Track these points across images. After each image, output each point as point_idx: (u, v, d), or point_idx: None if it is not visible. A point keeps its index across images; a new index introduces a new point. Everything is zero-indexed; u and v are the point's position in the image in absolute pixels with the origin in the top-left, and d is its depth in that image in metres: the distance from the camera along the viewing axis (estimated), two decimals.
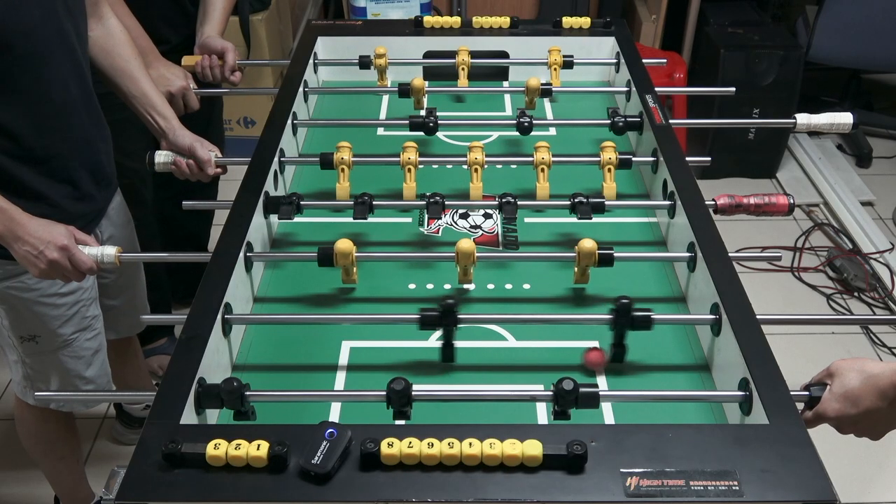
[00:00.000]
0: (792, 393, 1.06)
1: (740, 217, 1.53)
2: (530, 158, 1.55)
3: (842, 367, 1.07)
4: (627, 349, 1.24)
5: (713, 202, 1.47)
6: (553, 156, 1.55)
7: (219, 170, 1.62)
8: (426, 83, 1.81)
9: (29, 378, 1.64)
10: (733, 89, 1.96)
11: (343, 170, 1.55)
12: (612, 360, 1.24)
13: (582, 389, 1.05)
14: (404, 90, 1.79)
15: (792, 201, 1.49)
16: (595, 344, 1.29)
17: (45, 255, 1.35)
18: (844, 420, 1.06)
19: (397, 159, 1.55)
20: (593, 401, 1.06)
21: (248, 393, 1.07)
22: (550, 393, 1.06)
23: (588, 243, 1.31)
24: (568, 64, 1.92)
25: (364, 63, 1.93)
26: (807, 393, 1.09)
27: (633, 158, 1.58)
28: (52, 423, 1.79)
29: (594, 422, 1.10)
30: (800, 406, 1.06)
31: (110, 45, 1.56)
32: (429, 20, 2.06)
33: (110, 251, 1.39)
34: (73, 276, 1.40)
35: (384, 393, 1.06)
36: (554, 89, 1.84)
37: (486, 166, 1.56)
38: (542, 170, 1.54)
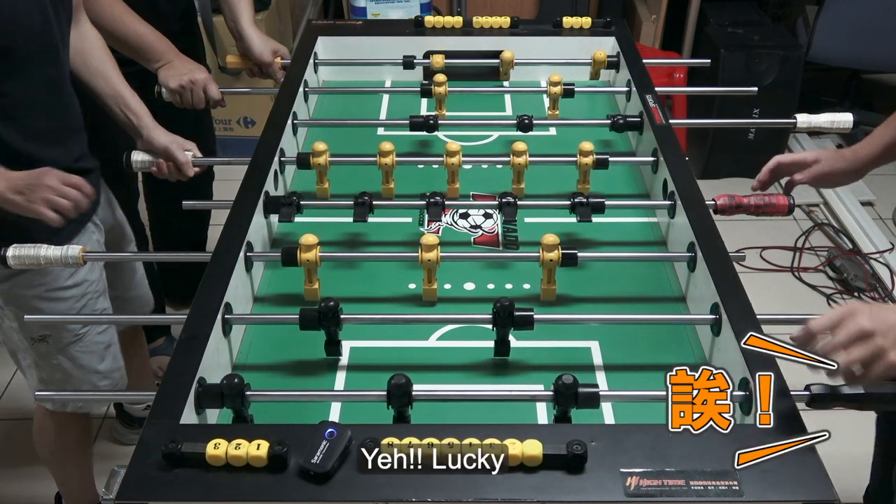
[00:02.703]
0: (792, 393, 1.06)
1: (740, 217, 1.53)
2: (530, 158, 1.55)
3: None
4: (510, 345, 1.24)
5: (713, 202, 1.47)
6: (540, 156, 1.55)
7: (197, 169, 1.63)
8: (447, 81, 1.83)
9: (44, 381, 1.63)
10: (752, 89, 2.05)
11: (321, 172, 1.56)
12: (498, 354, 1.24)
13: (581, 389, 1.05)
14: (426, 90, 1.82)
15: (792, 201, 1.49)
16: (595, 344, 1.29)
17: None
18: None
19: (398, 159, 1.55)
20: (593, 401, 1.06)
21: (248, 393, 1.07)
22: (550, 393, 1.06)
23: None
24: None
25: (408, 63, 1.95)
26: (807, 392, 1.09)
27: (632, 159, 1.58)
28: (72, 428, 1.78)
29: (594, 422, 1.10)
30: (800, 405, 1.06)
31: (86, 47, 1.58)
32: (430, 20, 2.06)
33: (74, 251, 1.34)
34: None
35: (384, 392, 1.06)
36: (549, 90, 1.84)
37: (486, 166, 1.56)
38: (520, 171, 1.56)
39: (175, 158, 1.60)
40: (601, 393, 1.07)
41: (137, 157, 1.62)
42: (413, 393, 1.06)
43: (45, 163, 1.42)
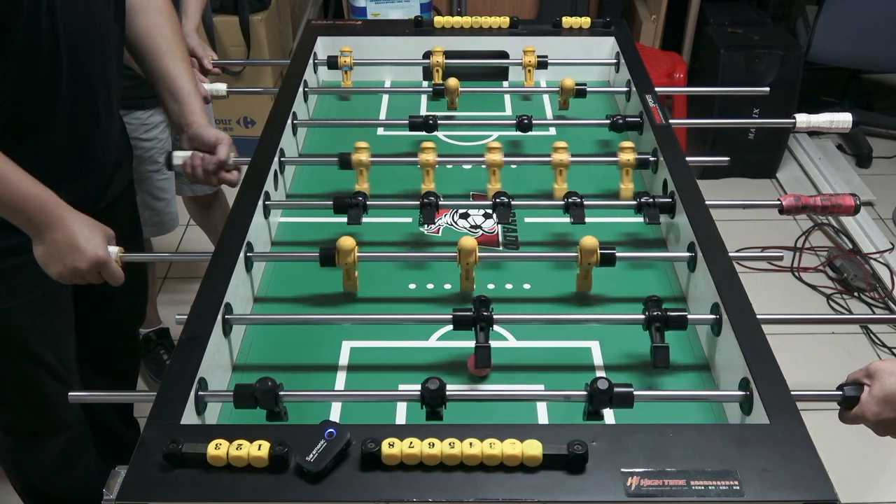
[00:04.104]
0: (825, 392, 1.06)
1: (740, 217, 1.53)
2: (530, 158, 1.55)
3: (881, 370, 1.05)
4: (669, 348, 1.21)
5: (779, 202, 1.46)
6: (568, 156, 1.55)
7: (235, 174, 1.50)
8: (459, 82, 1.82)
9: None
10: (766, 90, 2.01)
11: (362, 171, 1.55)
12: (657, 364, 1.20)
13: (616, 389, 1.05)
14: (439, 90, 1.81)
15: (858, 202, 1.47)
16: (596, 344, 1.29)
17: (75, 265, 1.26)
18: (883, 423, 1.05)
19: (396, 159, 1.55)
20: (627, 401, 1.05)
21: (281, 393, 1.06)
22: (551, 393, 1.06)
23: (589, 240, 1.31)
24: (542, 64, 1.92)
25: (332, 63, 1.94)
26: (840, 393, 1.09)
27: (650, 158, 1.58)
28: None
29: (595, 421, 1.10)
30: (804, 406, 1.06)
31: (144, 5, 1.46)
32: (439, 20, 2.06)
33: (113, 250, 1.33)
34: (94, 282, 1.33)
35: (386, 393, 1.06)
36: (550, 90, 1.84)
37: (486, 166, 1.57)
38: (560, 171, 1.56)
39: (218, 155, 1.46)
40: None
41: (178, 159, 1.50)
42: (414, 393, 1.06)
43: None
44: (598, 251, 1.31)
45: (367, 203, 1.46)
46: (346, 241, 1.31)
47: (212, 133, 1.49)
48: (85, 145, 1.42)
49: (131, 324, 1.85)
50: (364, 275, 1.39)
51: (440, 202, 1.48)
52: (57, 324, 1.52)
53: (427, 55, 2.02)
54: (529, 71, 1.92)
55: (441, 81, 1.88)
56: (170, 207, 2.20)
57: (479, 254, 1.32)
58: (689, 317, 1.33)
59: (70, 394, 1.18)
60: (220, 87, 1.87)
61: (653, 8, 3.59)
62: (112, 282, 1.33)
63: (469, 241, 1.31)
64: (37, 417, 1.61)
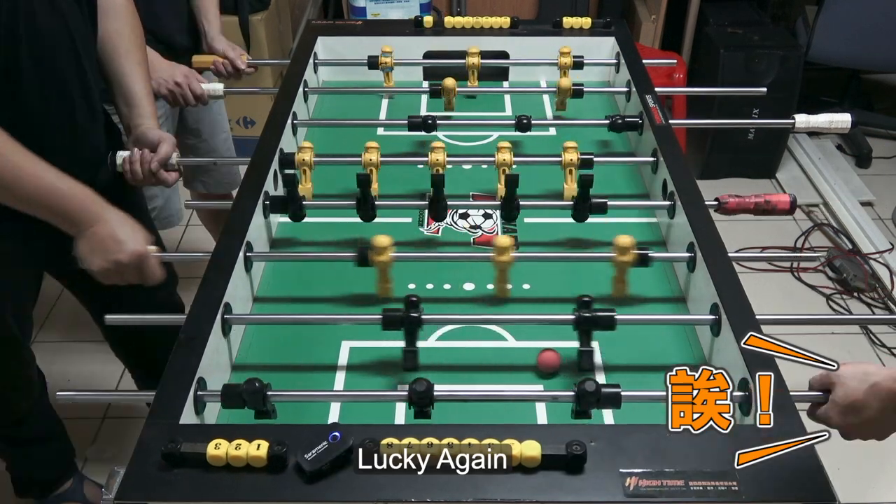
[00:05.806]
0: (825, 392, 1.06)
1: (740, 217, 1.53)
2: (529, 158, 1.55)
3: (844, 375, 1.03)
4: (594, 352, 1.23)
5: (716, 201, 1.46)
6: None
7: (175, 175, 1.51)
8: (456, 82, 1.81)
9: None
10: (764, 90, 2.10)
11: (305, 171, 1.53)
12: (581, 367, 1.22)
13: (604, 390, 1.05)
14: (436, 90, 1.80)
15: (793, 199, 1.48)
16: (595, 344, 1.28)
17: (117, 257, 1.28)
18: (848, 429, 1.05)
19: (397, 159, 1.55)
20: (615, 401, 1.06)
21: (269, 393, 1.06)
22: (551, 393, 1.07)
23: (624, 239, 1.32)
24: (578, 64, 1.90)
25: (372, 63, 1.93)
26: (809, 396, 1.08)
27: (632, 159, 1.58)
28: None
29: (594, 422, 1.10)
30: (801, 405, 1.06)
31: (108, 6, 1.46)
32: (449, 20, 2.06)
33: (151, 249, 1.33)
34: (133, 280, 1.33)
35: (380, 393, 1.06)
36: (550, 90, 1.84)
37: (486, 166, 1.57)
38: (570, 171, 1.55)
39: (160, 153, 1.47)
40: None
41: (122, 158, 1.49)
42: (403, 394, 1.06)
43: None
44: (634, 251, 1.31)
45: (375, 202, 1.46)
46: (382, 239, 1.31)
47: (155, 134, 1.50)
48: (65, 143, 1.42)
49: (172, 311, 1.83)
50: (364, 275, 1.39)
51: None
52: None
53: (427, 55, 2.02)
54: (565, 71, 1.88)
55: (475, 84, 1.88)
56: (169, 203, 2.18)
57: (478, 254, 1.32)
58: (688, 317, 1.34)
59: (59, 393, 1.17)
60: (218, 87, 1.87)
61: (653, 8, 3.59)
62: (150, 278, 1.34)
63: (503, 240, 1.31)
64: (19, 391, 1.66)
